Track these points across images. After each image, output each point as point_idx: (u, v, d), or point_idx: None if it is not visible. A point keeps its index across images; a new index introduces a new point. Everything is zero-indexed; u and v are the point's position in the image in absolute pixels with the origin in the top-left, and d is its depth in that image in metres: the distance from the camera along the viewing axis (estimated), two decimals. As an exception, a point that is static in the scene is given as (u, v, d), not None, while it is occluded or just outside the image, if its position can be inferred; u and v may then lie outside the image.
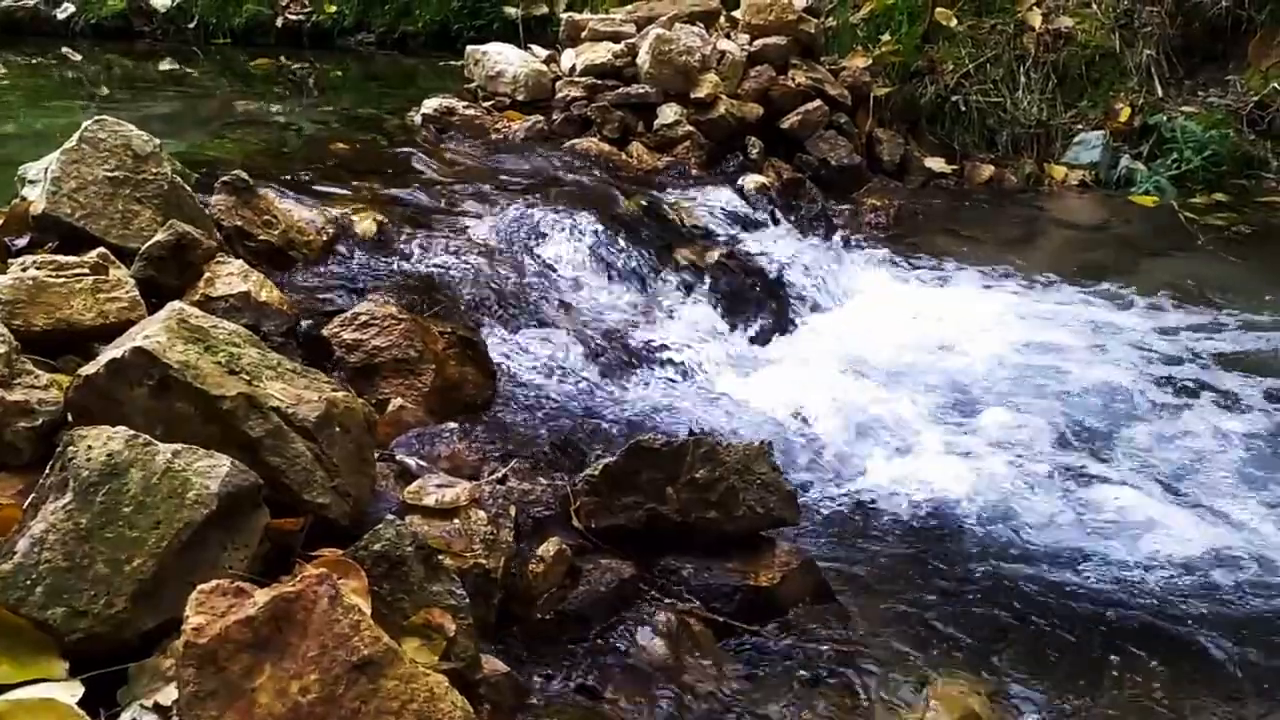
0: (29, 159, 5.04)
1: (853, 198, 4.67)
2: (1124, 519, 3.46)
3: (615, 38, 4.57)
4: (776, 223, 4.25)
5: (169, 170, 3.28)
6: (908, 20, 4.93)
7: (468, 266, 4.05)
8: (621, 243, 3.79)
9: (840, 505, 3.52)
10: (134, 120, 3.91)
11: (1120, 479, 3.65)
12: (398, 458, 2.75)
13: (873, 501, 3.56)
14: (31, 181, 3.46)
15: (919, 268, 4.38)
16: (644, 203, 3.81)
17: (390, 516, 2.30)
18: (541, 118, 4.21)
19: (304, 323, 3.24)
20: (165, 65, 9.03)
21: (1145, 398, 3.97)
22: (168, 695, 1.78)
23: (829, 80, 4.78)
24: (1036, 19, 4.72)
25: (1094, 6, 4.66)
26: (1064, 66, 4.53)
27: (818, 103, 4.67)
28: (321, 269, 3.82)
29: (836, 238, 4.38)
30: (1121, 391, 3.94)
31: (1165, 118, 4.13)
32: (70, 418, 2.15)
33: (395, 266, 4.05)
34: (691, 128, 4.33)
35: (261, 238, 3.71)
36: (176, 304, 2.33)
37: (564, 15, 4.59)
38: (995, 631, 2.80)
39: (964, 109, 4.64)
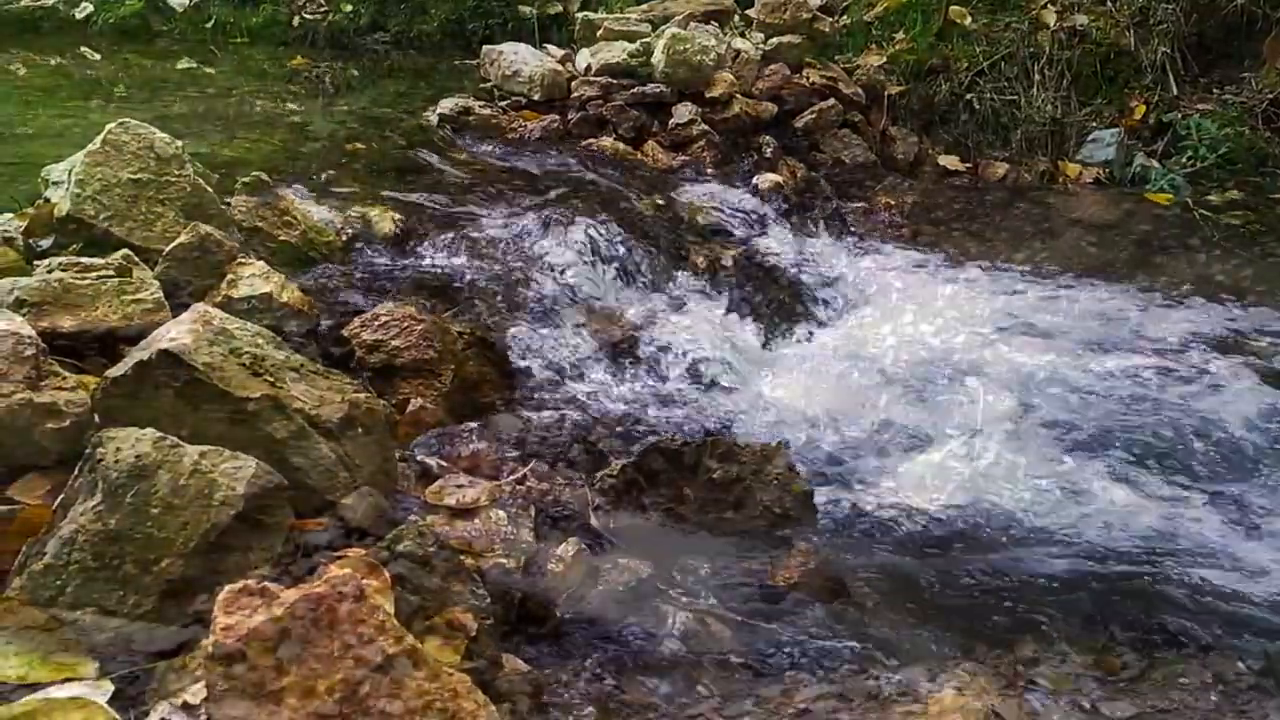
0: (50, 159, 5.08)
1: (866, 196, 4.68)
2: (1143, 518, 3.47)
3: (630, 37, 4.59)
4: (791, 221, 4.26)
5: (191, 172, 3.32)
6: (922, 18, 4.93)
7: (485, 266, 4.07)
8: (637, 243, 3.80)
9: (856, 504, 3.53)
10: (153, 120, 3.94)
11: (1140, 478, 3.65)
12: (418, 458, 2.78)
13: (889, 501, 3.56)
14: (55, 183, 3.49)
15: (933, 266, 4.38)
16: (660, 202, 3.83)
17: (412, 517, 2.33)
18: (557, 117, 4.22)
19: (324, 323, 3.26)
20: (183, 65, 9.07)
21: (1163, 395, 3.97)
22: (196, 694, 1.81)
23: (843, 79, 4.78)
24: (1051, 17, 4.71)
25: (1109, 4, 4.66)
26: (1078, 64, 4.53)
27: (831, 101, 4.67)
28: (341, 269, 3.85)
29: (850, 236, 4.38)
30: (1139, 389, 3.94)
31: (1180, 115, 4.12)
32: (98, 419, 2.18)
33: (413, 266, 4.07)
34: (706, 127, 4.34)
35: (282, 238, 3.74)
36: (200, 306, 2.36)
37: (579, 15, 4.61)
38: (1013, 628, 2.81)
39: (978, 107, 4.64)
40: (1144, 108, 3.97)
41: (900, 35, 4.83)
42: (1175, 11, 3.91)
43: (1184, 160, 3.72)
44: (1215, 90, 3.89)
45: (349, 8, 7.27)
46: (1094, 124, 4.08)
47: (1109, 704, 1.99)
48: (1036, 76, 4.15)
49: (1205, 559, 3.26)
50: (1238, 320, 4.06)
